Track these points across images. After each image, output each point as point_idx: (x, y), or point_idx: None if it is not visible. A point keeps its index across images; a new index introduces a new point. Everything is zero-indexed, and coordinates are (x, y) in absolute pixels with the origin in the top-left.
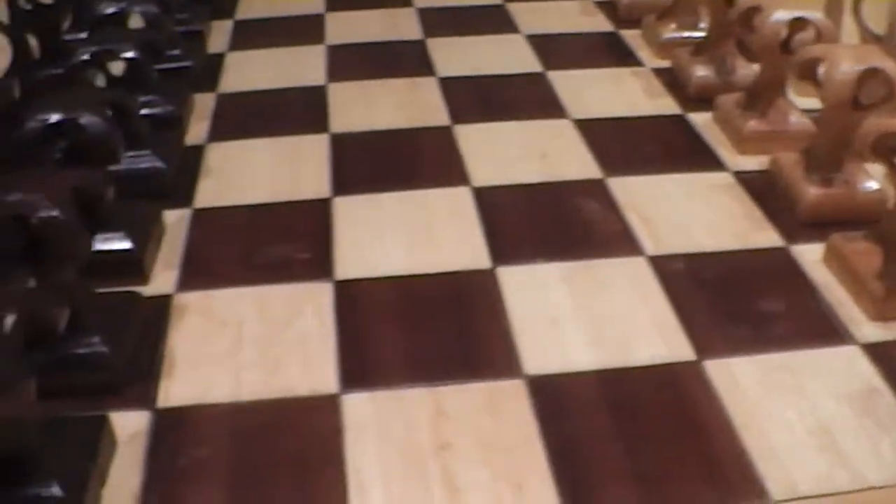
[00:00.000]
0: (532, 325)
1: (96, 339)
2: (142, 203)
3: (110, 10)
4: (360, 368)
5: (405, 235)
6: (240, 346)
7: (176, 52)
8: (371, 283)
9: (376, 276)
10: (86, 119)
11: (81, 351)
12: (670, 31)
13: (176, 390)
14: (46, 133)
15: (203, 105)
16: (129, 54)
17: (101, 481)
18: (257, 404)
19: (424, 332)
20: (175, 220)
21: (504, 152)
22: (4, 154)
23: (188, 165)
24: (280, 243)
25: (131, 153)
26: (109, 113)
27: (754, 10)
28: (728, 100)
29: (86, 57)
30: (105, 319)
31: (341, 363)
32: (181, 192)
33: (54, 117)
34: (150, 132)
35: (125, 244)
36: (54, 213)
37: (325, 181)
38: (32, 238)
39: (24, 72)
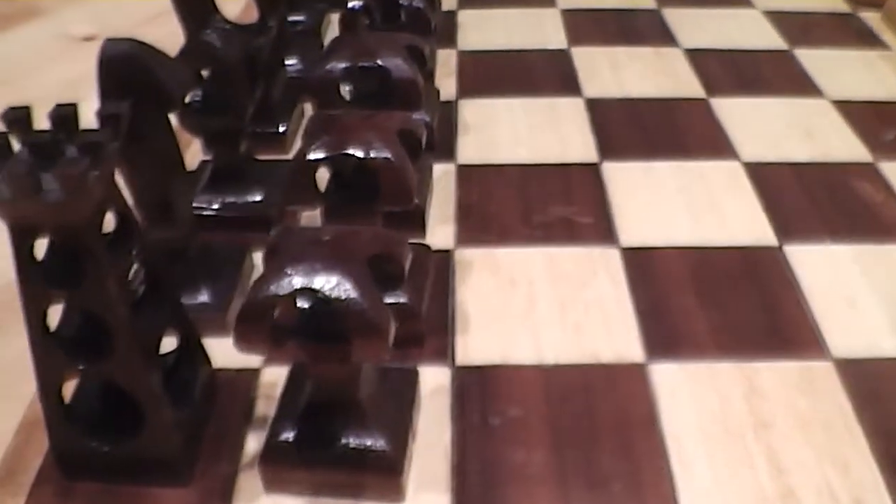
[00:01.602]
0: (831, 306)
1: (401, 293)
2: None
3: None
4: (664, 338)
5: (685, 206)
6: (534, 307)
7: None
8: (660, 252)
9: (664, 245)
10: (389, 62)
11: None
12: None
13: (474, 347)
14: (344, 76)
15: (446, 61)
16: (413, 1)
17: (413, 436)
18: (563, 368)
19: (723, 306)
20: (440, 175)
21: (767, 128)
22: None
23: (445, 120)
24: (556, 204)
25: None
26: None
27: None
28: None
29: (357, 3)
30: None
31: (644, 331)
32: (443, 146)
33: (354, 60)
34: None
35: None
36: (386, 154)
37: (590, 145)
38: (351, 180)
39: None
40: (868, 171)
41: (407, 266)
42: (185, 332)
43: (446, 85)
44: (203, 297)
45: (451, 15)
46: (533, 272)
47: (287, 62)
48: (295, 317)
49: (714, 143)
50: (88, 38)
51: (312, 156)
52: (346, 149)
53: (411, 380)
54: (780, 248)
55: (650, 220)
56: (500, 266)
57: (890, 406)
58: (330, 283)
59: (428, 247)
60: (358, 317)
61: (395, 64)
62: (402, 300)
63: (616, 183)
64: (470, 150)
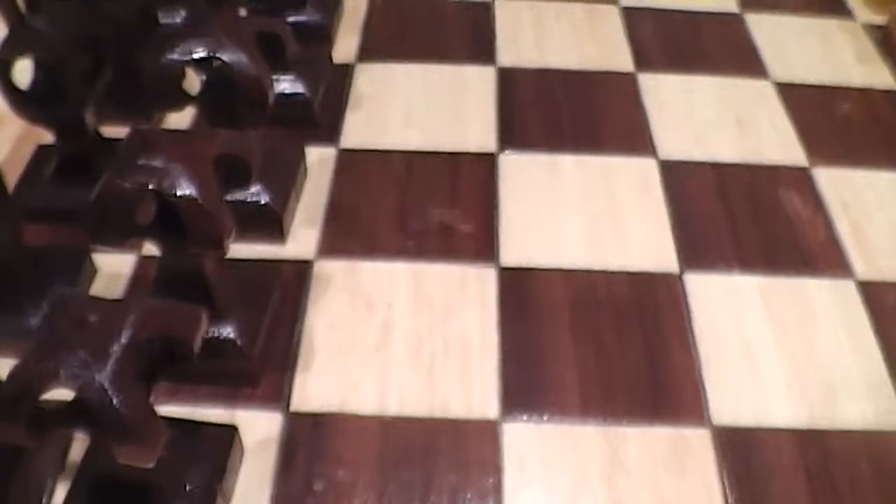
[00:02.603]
0: (723, 356)
1: (229, 329)
2: (283, 140)
3: None
4: (525, 389)
5: (583, 215)
6: (388, 339)
7: None
8: (542, 274)
9: (548, 266)
10: (232, 57)
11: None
12: None
13: (313, 389)
14: (185, 68)
15: (352, 12)
16: None
17: (227, 500)
18: (406, 421)
19: (601, 350)
20: (317, 161)
21: (695, 115)
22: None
23: (334, 90)
24: (439, 206)
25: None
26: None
27: None
28: None
29: None
30: (240, 298)
31: (504, 378)
32: (326, 124)
33: (196, 53)
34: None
35: (263, 197)
36: (191, 191)
37: (491, 130)
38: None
39: None
40: (800, 179)
41: (197, 343)
42: None
43: (346, 44)
44: (30, 320)
45: None
46: (395, 294)
47: (170, 20)
48: (60, 405)
49: (631, 133)
50: None
51: (119, 188)
52: (151, 183)
53: (227, 440)
54: (679, 276)
55: (540, 231)
56: (361, 284)
57: (762, 491)
58: (89, 385)
59: (276, 269)
60: (118, 424)
61: (239, 60)
62: (228, 335)
63: (511, 180)
64: (357, 131)
